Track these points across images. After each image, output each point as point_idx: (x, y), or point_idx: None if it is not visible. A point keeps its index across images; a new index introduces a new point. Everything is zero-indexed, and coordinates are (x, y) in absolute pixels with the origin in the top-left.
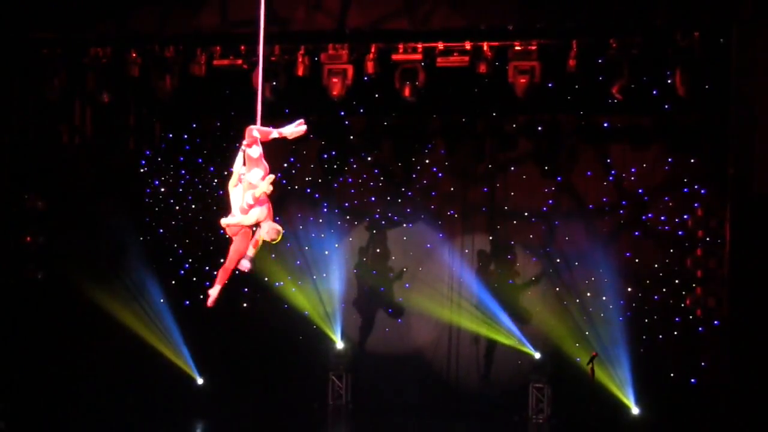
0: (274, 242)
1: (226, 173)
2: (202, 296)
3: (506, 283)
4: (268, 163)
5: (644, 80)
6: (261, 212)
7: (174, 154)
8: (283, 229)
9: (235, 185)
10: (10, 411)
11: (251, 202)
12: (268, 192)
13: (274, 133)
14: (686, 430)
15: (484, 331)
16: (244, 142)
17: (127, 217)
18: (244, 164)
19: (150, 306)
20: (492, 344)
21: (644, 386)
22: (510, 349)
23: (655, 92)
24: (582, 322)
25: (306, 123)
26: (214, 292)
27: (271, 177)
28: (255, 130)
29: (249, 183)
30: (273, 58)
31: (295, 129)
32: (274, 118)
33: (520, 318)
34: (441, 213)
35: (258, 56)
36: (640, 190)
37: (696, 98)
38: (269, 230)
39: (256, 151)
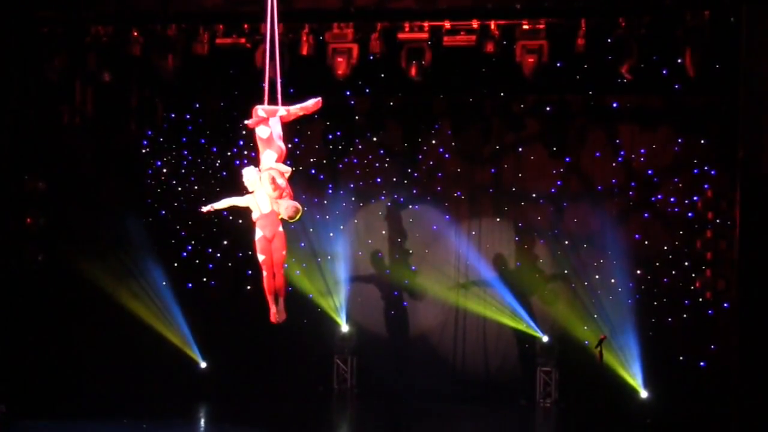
0: (292, 220)
1: (229, 153)
2: (204, 279)
3: (513, 265)
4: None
5: (654, 60)
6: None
7: (176, 135)
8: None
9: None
10: (11, 394)
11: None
12: (287, 173)
13: (282, 110)
14: (695, 414)
15: (491, 314)
16: (247, 122)
17: (129, 199)
18: (259, 146)
19: (152, 289)
20: (499, 327)
21: (653, 370)
22: (517, 333)
23: (664, 72)
24: (590, 304)
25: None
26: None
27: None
28: (260, 110)
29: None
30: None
31: (304, 105)
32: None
33: (527, 301)
34: (447, 194)
35: (265, 34)
36: (649, 172)
37: (706, 78)
38: (287, 207)
39: (265, 131)
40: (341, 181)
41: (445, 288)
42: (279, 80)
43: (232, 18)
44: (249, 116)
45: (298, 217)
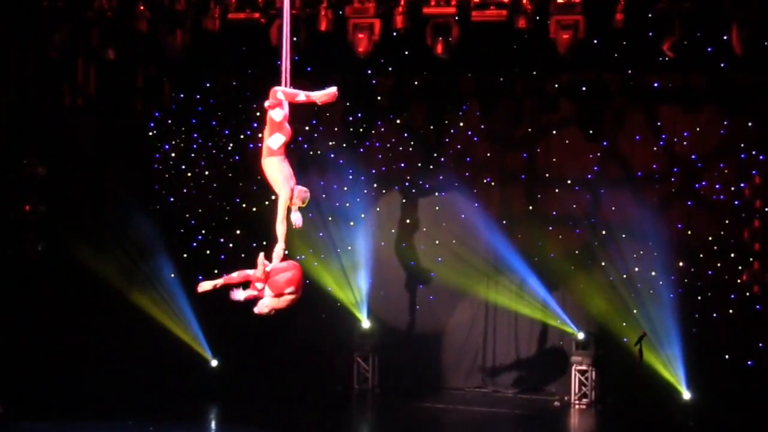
0: (305, 203)
1: (242, 137)
2: (216, 270)
3: (547, 256)
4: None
5: (697, 36)
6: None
7: (185, 116)
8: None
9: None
10: (9, 393)
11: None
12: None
13: (301, 95)
14: (741, 415)
15: (523, 309)
16: (266, 103)
17: (135, 185)
18: (268, 129)
19: (159, 281)
20: (531, 323)
21: (696, 368)
22: (551, 329)
23: (709, 49)
24: (629, 299)
25: (329, 83)
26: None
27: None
28: (280, 92)
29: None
30: (294, 12)
31: (325, 93)
32: (295, 78)
33: (561, 295)
34: (476, 180)
35: (284, 9)
36: (692, 156)
37: (753, 56)
38: (297, 194)
39: (279, 114)
40: (362, 167)
41: (473, 281)
42: (285, 57)
43: None
44: (266, 97)
45: (308, 197)
